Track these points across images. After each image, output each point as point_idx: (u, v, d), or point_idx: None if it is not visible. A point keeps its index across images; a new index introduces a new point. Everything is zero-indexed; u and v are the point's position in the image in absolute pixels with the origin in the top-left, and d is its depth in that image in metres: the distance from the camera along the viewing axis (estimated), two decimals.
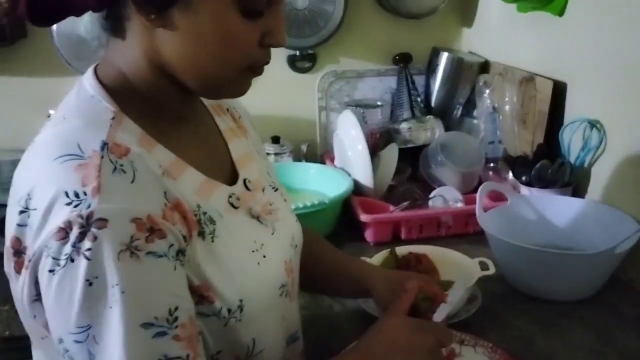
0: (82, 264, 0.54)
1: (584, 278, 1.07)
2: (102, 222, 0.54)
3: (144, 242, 0.56)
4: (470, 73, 1.69)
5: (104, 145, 0.59)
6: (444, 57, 1.72)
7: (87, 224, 0.54)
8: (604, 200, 1.21)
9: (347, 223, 1.41)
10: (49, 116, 1.61)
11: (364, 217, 1.33)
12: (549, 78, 1.36)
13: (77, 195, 0.55)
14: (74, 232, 0.54)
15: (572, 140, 1.28)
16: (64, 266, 0.54)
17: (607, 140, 1.21)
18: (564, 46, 1.34)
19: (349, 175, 1.48)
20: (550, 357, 0.93)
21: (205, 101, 0.78)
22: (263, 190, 0.78)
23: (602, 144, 1.22)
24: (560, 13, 1.32)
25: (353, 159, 1.48)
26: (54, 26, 1.58)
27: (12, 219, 0.59)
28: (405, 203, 1.38)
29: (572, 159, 1.28)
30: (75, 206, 0.55)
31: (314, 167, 1.61)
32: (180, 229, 0.60)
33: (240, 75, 0.65)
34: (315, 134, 1.84)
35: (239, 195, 0.72)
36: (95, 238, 0.54)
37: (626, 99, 1.14)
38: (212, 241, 0.65)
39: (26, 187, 0.58)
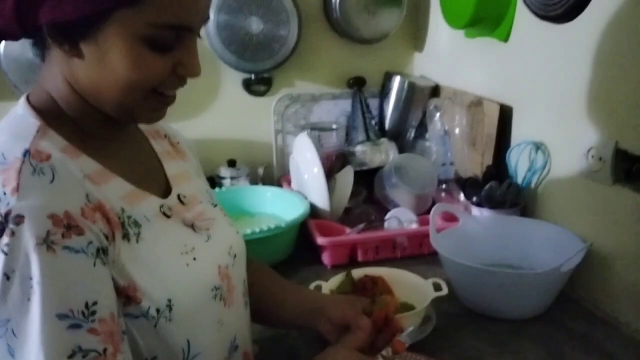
0: (0, 259, 0.56)
1: (534, 296, 1.10)
2: (20, 218, 0.57)
3: (61, 237, 0.58)
4: (422, 96, 1.73)
5: (26, 152, 0.62)
6: (397, 80, 1.76)
7: (6, 220, 0.57)
8: (550, 220, 1.25)
9: (304, 246, 1.41)
10: None
11: (320, 240, 1.34)
12: (495, 102, 1.41)
13: None
14: None
15: (518, 162, 1.33)
16: None
17: (552, 162, 1.26)
18: (509, 71, 1.39)
19: (306, 198, 1.48)
20: None
21: (142, 126, 0.82)
22: (200, 203, 0.81)
23: (547, 165, 1.27)
24: (506, 39, 1.37)
25: (309, 182, 1.49)
26: (1, 49, 1.54)
27: None
28: (361, 225, 1.39)
29: (519, 180, 1.33)
30: None
31: (270, 191, 1.61)
32: (102, 227, 0.62)
33: (148, 98, 0.67)
34: (272, 157, 1.84)
35: (172, 206, 0.75)
36: (13, 233, 0.57)
37: (568, 122, 1.19)
38: (137, 242, 0.67)
39: None
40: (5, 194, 0.58)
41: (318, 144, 1.59)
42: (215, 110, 1.78)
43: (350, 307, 0.84)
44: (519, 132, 1.36)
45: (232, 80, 1.77)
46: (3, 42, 1.52)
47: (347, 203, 1.50)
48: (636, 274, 1.04)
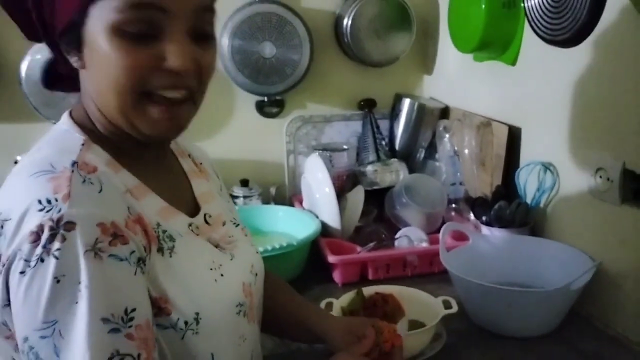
0: (51, 263, 0.58)
1: (544, 314, 1.11)
2: (71, 225, 0.59)
3: (107, 245, 0.61)
4: (432, 118, 1.76)
5: (74, 163, 0.65)
6: (407, 102, 1.79)
7: (57, 226, 0.59)
8: (560, 239, 1.27)
9: (315, 264, 1.43)
10: (16, 162, 1.61)
11: (331, 259, 1.36)
12: (504, 123, 1.43)
13: (49, 201, 0.60)
14: (45, 235, 0.59)
15: (527, 182, 1.34)
16: (34, 266, 0.59)
17: (560, 182, 1.28)
18: (517, 93, 1.42)
19: (317, 217, 1.51)
20: None
21: (171, 145, 0.85)
22: (223, 224, 0.83)
23: (556, 185, 1.29)
24: (513, 63, 1.40)
25: (320, 201, 1.51)
26: (23, 73, 1.60)
27: None
28: (372, 244, 1.41)
29: (528, 200, 1.35)
30: (47, 211, 0.60)
31: (282, 210, 1.63)
32: (141, 239, 0.65)
33: (143, 104, 0.66)
34: (284, 177, 1.87)
35: (199, 226, 0.77)
36: (64, 239, 0.59)
37: (576, 143, 1.21)
38: (170, 256, 0.69)
39: (4, 202, 0.64)
40: (57, 200, 0.60)
41: (329, 164, 1.62)
42: (229, 132, 1.82)
43: (350, 331, 0.88)
44: (528, 152, 1.38)
45: (245, 102, 1.81)
46: (26, 65, 1.58)
47: (358, 222, 1.52)
48: None
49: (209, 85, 0.72)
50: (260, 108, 1.83)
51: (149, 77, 0.65)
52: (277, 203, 1.76)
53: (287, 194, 1.86)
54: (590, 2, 1.09)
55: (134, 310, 0.61)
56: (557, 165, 1.28)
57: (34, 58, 1.56)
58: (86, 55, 0.66)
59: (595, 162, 1.15)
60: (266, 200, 1.77)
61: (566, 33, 1.17)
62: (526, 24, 1.30)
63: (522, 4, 1.29)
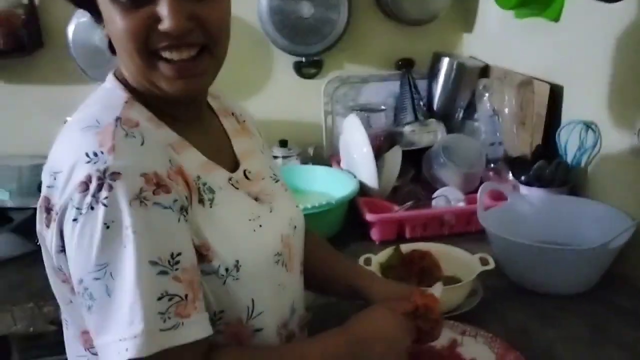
0: (100, 210, 0.63)
1: (581, 272, 1.12)
2: (117, 175, 0.64)
3: (152, 194, 0.65)
4: (471, 77, 1.74)
5: (118, 119, 0.69)
6: (445, 62, 1.77)
7: (104, 176, 0.64)
8: (599, 199, 1.26)
9: (353, 223, 1.46)
10: (65, 122, 1.68)
11: (369, 217, 1.39)
12: (546, 81, 1.41)
13: (95, 154, 0.65)
14: (93, 184, 0.64)
15: (568, 141, 1.33)
16: (85, 213, 0.64)
17: (602, 141, 1.26)
18: (560, 51, 1.39)
19: (355, 177, 1.53)
20: (548, 348, 0.98)
21: (213, 105, 0.89)
22: (263, 179, 0.87)
23: (597, 145, 1.27)
24: (557, 19, 1.37)
25: (358, 161, 1.53)
26: (70, 36, 1.65)
27: (43, 184, 0.70)
28: (409, 203, 1.43)
29: (569, 159, 1.34)
30: (94, 163, 0.64)
31: (320, 170, 1.66)
32: (183, 189, 0.69)
33: (154, 64, 0.70)
34: (322, 137, 1.89)
35: (239, 180, 0.81)
36: (111, 188, 0.63)
37: (619, 102, 1.19)
38: (211, 207, 0.73)
39: (55, 157, 0.70)
40: (102, 152, 0.65)
41: (367, 125, 1.63)
42: (268, 92, 1.84)
43: (395, 287, 0.91)
44: (569, 111, 1.36)
45: (283, 63, 1.82)
46: (72, 29, 1.63)
47: (396, 182, 1.54)
48: None
49: (228, 35, 0.75)
50: (299, 69, 1.84)
51: (148, 39, 0.69)
52: (315, 163, 1.79)
53: (325, 154, 1.89)
54: None
55: (179, 254, 0.66)
56: (600, 124, 1.26)
57: (79, 21, 1.60)
58: (105, 23, 0.71)
59: (638, 121, 1.13)
60: (304, 161, 1.80)
61: None
62: None
63: None
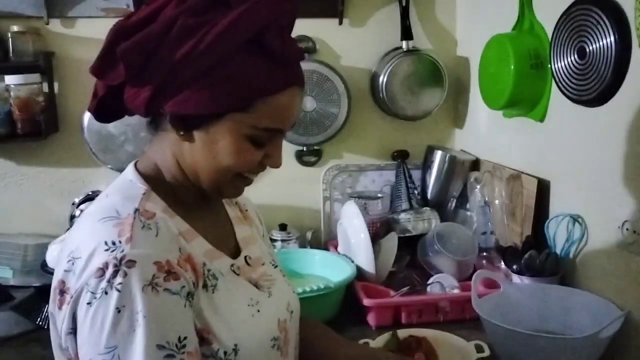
0: (114, 295, 0.68)
1: None
2: (132, 263, 0.69)
3: (163, 281, 0.70)
4: (463, 169, 1.84)
5: (136, 210, 0.75)
6: (438, 154, 1.88)
7: (120, 264, 0.69)
8: (588, 289, 1.31)
9: (349, 307, 1.49)
10: (73, 204, 1.74)
11: (367, 302, 1.42)
12: (533, 176, 1.50)
13: (114, 243, 0.71)
14: (109, 271, 0.69)
15: (557, 233, 1.40)
16: (99, 298, 0.68)
17: (589, 233, 1.33)
18: (546, 148, 1.49)
19: (352, 261, 1.58)
20: None
21: None
22: (262, 265, 0.92)
23: (584, 237, 1.34)
24: (541, 119, 1.48)
25: (356, 247, 1.59)
26: (85, 122, 1.74)
27: (59, 268, 0.74)
28: (406, 288, 1.47)
29: (557, 250, 1.39)
30: (112, 251, 0.70)
31: (318, 254, 1.71)
32: (191, 276, 0.74)
33: (235, 180, 0.81)
34: (320, 222, 1.96)
35: (240, 266, 0.87)
36: (125, 274, 0.68)
37: (603, 197, 1.27)
38: (213, 293, 0.78)
39: (74, 243, 0.75)
40: (120, 242, 0.71)
41: (364, 211, 1.70)
42: (270, 179, 1.89)
43: None
44: (557, 204, 1.44)
45: (285, 151, 1.86)
46: (88, 115, 1.73)
47: (392, 267, 1.58)
48: None
49: None
50: (300, 157, 1.94)
51: (251, 168, 0.81)
52: (312, 247, 1.84)
53: (323, 239, 1.94)
54: (613, 65, 1.18)
55: (185, 338, 0.70)
56: (585, 218, 1.34)
57: None
58: (199, 135, 0.78)
59: (621, 215, 1.20)
60: (302, 244, 1.85)
61: (591, 93, 1.25)
62: (554, 83, 1.39)
63: (550, 66, 1.38)
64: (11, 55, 1.67)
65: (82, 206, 1.68)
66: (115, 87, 0.77)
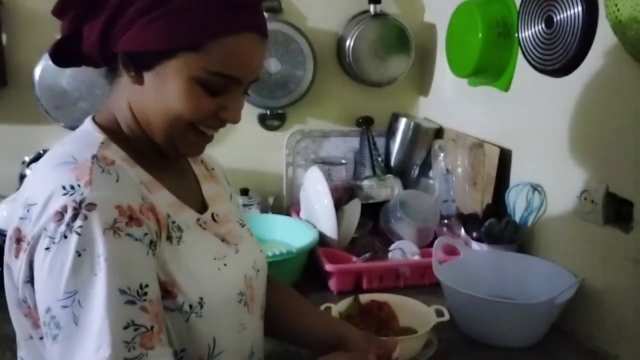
0: (73, 238, 0.65)
1: (528, 326, 1.18)
2: (92, 206, 0.67)
3: (124, 225, 0.68)
4: (426, 137, 1.84)
5: (94, 156, 0.73)
6: (403, 122, 1.87)
7: (80, 207, 0.67)
8: (545, 256, 1.34)
9: (311, 272, 1.48)
10: (23, 162, 1.66)
11: (328, 267, 1.42)
12: (496, 145, 1.51)
13: (72, 187, 0.68)
14: (69, 214, 0.66)
15: (516, 201, 1.42)
16: (58, 242, 0.66)
17: (547, 202, 1.35)
18: (509, 117, 1.50)
19: (315, 227, 1.57)
20: None
21: None
22: (229, 222, 0.91)
23: (543, 206, 1.36)
24: (506, 89, 1.49)
25: (319, 212, 1.57)
26: (36, 76, 1.65)
27: (14, 216, 0.71)
28: (367, 254, 1.48)
29: (517, 218, 1.42)
30: (71, 195, 0.67)
31: (281, 219, 1.69)
32: (154, 225, 0.72)
33: (188, 132, 0.76)
34: (282, 187, 1.93)
35: (207, 221, 0.85)
36: (85, 218, 0.66)
37: (563, 166, 1.29)
38: (178, 244, 0.76)
39: (30, 189, 0.72)
40: (79, 185, 0.68)
41: (327, 177, 1.68)
42: (232, 142, 1.87)
43: (367, 342, 0.91)
44: (518, 173, 1.46)
45: (248, 114, 1.87)
46: (40, 70, 1.64)
47: (354, 233, 1.58)
48: (625, 308, 1.13)
49: None
50: (263, 121, 1.89)
51: (205, 119, 0.76)
52: (274, 212, 1.82)
53: (285, 204, 1.92)
54: (580, 35, 1.18)
55: (147, 286, 0.68)
56: (545, 187, 1.36)
57: (48, 63, 1.61)
58: (150, 77, 0.74)
59: (580, 185, 1.23)
60: (264, 210, 1.83)
61: (557, 63, 1.26)
62: (520, 53, 1.39)
63: (517, 35, 1.38)
64: None
65: (32, 165, 1.60)
66: (75, 26, 0.75)
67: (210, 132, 0.79)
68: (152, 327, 0.67)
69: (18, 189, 1.56)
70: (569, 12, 1.20)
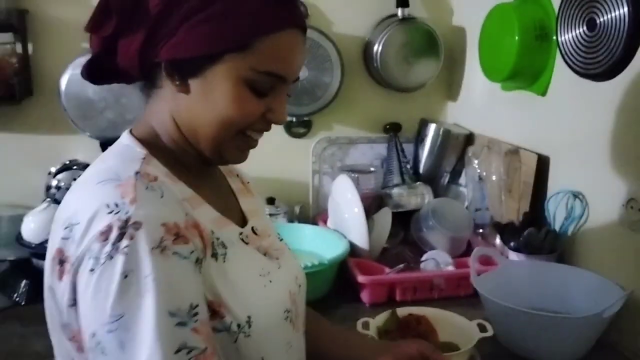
0: (119, 259, 0.62)
1: (574, 341, 1.13)
2: (138, 224, 0.64)
3: (171, 244, 0.65)
4: (457, 143, 1.80)
5: (137, 173, 0.70)
6: (432, 128, 1.83)
7: (125, 226, 0.63)
8: (587, 267, 1.29)
9: (342, 284, 1.45)
10: (49, 173, 1.64)
11: (361, 279, 1.38)
12: (532, 151, 1.46)
13: (116, 205, 0.65)
14: (114, 233, 0.63)
15: (556, 210, 1.37)
16: (104, 263, 0.62)
17: (590, 211, 1.30)
18: (546, 123, 1.46)
19: (344, 237, 1.53)
20: None
21: (220, 166, 0.89)
22: (269, 236, 0.88)
23: (585, 214, 1.31)
24: (543, 93, 1.44)
25: (349, 221, 1.54)
26: (63, 86, 1.64)
27: (55, 236, 0.68)
28: (401, 265, 1.44)
29: (557, 227, 1.37)
30: (116, 213, 0.64)
31: (308, 229, 1.66)
32: (199, 242, 0.69)
33: (236, 139, 0.74)
34: (308, 196, 1.90)
35: (248, 235, 0.82)
36: (132, 237, 0.63)
37: (607, 174, 1.24)
38: (224, 262, 0.73)
39: (71, 208, 0.69)
40: (124, 203, 0.65)
41: (356, 185, 1.65)
42: (257, 150, 1.80)
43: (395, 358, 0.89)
44: (556, 181, 1.41)
45: None
46: (66, 79, 1.62)
47: (385, 243, 1.54)
48: None
49: None
50: (289, 128, 1.86)
51: (254, 122, 0.75)
52: (300, 221, 1.78)
53: (311, 213, 1.89)
54: (625, 38, 1.13)
55: (197, 306, 0.65)
56: (587, 195, 1.31)
57: (74, 72, 1.59)
58: (196, 84, 0.72)
59: (625, 193, 1.17)
60: (290, 219, 1.80)
61: (599, 67, 1.20)
62: (558, 56, 1.34)
63: (555, 38, 1.34)
64: None
65: (59, 176, 1.58)
66: (109, 42, 0.72)
67: (257, 137, 0.78)
68: (205, 349, 0.64)
69: (44, 199, 1.56)
70: (613, 14, 1.15)
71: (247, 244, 0.80)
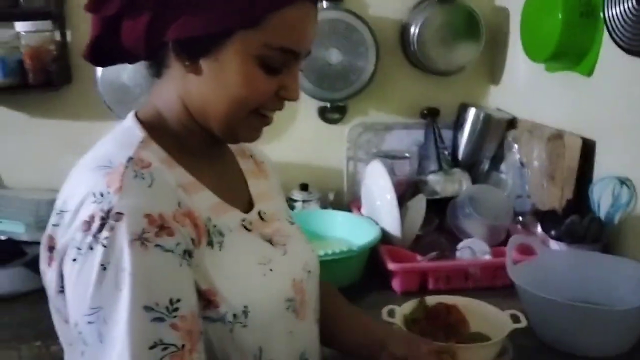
0: (99, 250, 0.62)
1: (618, 334, 1.06)
2: (119, 215, 0.62)
3: (154, 236, 0.63)
4: (498, 129, 1.72)
5: (130, 159, 0.68)
6: (472, 112, 1.76)
7: (107, 216, 0.62)
8: (635, 258, 1.21)
9: (373, 271, 1.41)
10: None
11: (392, 266, 1.34)
12: (577, 135, 1.39)
13: (102, 194, 0.64)
14: (95, 224, 0.62)
15: (602, 197, 1.29)
16: (84, 254, 0.62)
17: (638, 198, 1.22)
18: (592, 105, 1.37)
19: (377, 224, 1.50)
20: None
21: (231, 146, 0.87)
22: (277, 220, 0.85)
23: (633, 202, 1.23)
24: (589, 73, 1.36)
25: (381, 208, 1.50)
26: (99, 73, 1.67)
27: (49, 224, 0.68)
28: (434, 253, 1.39)
29: (601, 215, 1.29)
30: (99, 203, 0.64)
31: (341, 215, 1.63)
32: (190, 232, 0.67)
33: (250, 117, 0.73)
34: (343, 182, 1.87)
35: (252, 221, 0.80)
36: (112, 228, 0.62)
37: None
38: (220, 250, 0.72)
39: (64, 194, 0.69)
40: (109, 193, 0.64)
41: (390, 172, 1.60)
42: (291, 136, 1.83)
43: (413, 343, 0.86)
44: (602, 166, 1.33)
45: (308, 107, 1.82)
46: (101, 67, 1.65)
47: (418, 231, 1.50)
48: None
49: None
50: (323, 114, 1.84)
51: (265, 101, 0.72)
52: (334, 208, 1.76)
53: (345, 200, 1.85)
54: None
55: (178, 300, 0.63)
56: (635, 181, 1.23)
57: None
58: (208, 64, 0.70)
59: None
60: (324, 205, 1.77)
61: None
62: (605, 33, 1.26)
63: (602, 13, 1.25)
64: (21, 0, 1.59)
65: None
66: (111, 22, 0.70)
67: (271, 115, 0.76)
68: (182, 346, 0.62)
69: None
70: None
71: (249, 230, 0.78)
